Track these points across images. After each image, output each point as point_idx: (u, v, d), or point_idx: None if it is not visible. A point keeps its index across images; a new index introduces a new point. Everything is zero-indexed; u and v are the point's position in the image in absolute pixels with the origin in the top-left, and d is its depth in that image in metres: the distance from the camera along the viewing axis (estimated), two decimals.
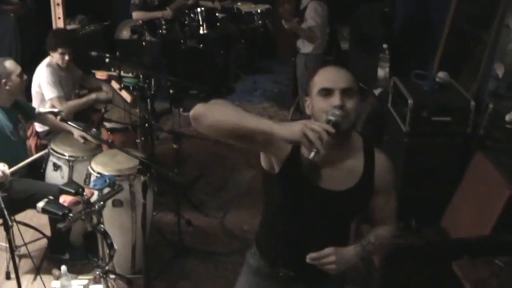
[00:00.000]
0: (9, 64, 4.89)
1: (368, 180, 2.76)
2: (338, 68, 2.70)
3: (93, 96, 5.91)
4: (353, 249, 2.80)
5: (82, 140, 5.26)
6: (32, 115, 5.30)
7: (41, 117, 5.34)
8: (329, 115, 2.52)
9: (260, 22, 10.23)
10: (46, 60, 5.85)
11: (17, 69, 4.91)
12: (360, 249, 2.81)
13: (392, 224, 2.96)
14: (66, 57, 5.81)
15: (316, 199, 2.74)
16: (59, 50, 5.77)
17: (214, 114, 2.53)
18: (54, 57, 5.82)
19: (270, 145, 2.64)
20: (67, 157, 5.10)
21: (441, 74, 5.21)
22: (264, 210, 3.06)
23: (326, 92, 2.60)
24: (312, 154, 2.33)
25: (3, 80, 4.84)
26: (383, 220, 2.93)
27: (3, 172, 4.45)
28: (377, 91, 6.17)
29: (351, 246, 2.81)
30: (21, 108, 5.12)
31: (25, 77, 4.92)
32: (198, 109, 2.56)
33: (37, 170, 5.20)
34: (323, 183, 2.72)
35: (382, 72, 6.39)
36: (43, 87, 5.71)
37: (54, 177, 5.14)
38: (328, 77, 2.65)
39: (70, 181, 4.51)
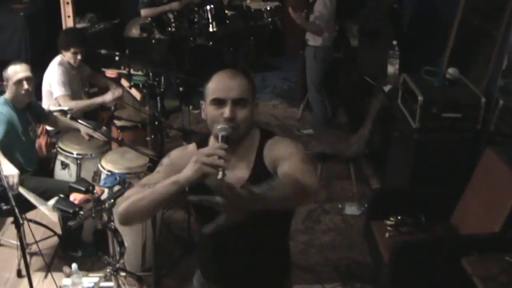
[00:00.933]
0: (11, 69, 4.86)
1: (259, 167, 2.63)
2: (231, 76, 2.62)
3: (98, 100, 5.91)
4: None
5: (87, 137, 5.30)
6: (43, 117, 5.32)
7: (51, 118, 5.36)
8: (219, 131, 2.50)
9: (269, 19, 10.23)
10: (58, 59, 5.87)
11: (15, 76, 4.83)
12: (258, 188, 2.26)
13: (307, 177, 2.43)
14: (78, 56, 5.83)
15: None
16: (72, 50, 5.78)
17: (131, 211, 2.55)
18: (66, 56, 5.83)
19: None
20: (75, 155, 5.14)
21: (451, 70, 5.20)
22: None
23: (218, 102, 2.57)
24: (220, 174, 2.30)
25: (4, 83, 4.86)
26: (294, 174, 2.43)
27: (13, 179, 4.48)
28: (386, 88, 6.15)
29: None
30: (33, 109, 5.14)
31: (25, 87, 4.84)
32: (119, 215, 2.60)
33: (46, 169, 5.23)
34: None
35: (391, 68, 6.37)
36: (53, 85, 5.73)
37: (62, 175, 5.18)
38: (220, 86, 2.59)
39: (80, 179, 4.53)
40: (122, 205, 2.59)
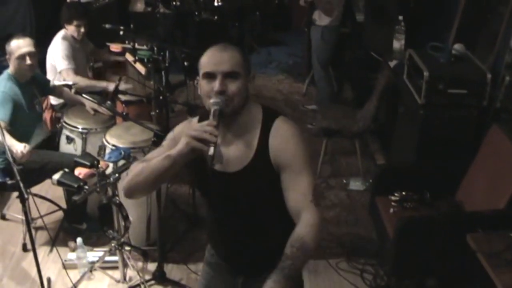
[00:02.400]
0: (14, 43, 4.79)
1: (262, 153, 2.60)
2: (222, 49, 2.59)
3: (102, 84, 5.91)
4: (272, 281, 2.26)
5: (92, 112, 5.30)
6: (48, 89, 5.30)
7: (56, 90, 5.35)
8: (211, 105, 2.49)
9: None
10: (61, 33, 5.84)
11: (18, 51, 4.77)
12: (280, 274, 2.28)
13: (307, 211, 2.48)
14: (82, 29, 5.80)
15: (216, 183, 2.70)
16: (75, 23, 5.75)
17: (131, 185, 2.63)
18: (69, 30, 5.81)
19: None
20: (80, 130, 5.14)
21: (457, 46, 5.17)
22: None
23: (209, 76, 2.55)
24: (210, 150, 2.37)
25: (7, 57, 4.83)
26: (296, 207, 2.51)
27: (22, 153, 4.46)
28: (392, 63, 6.12)
29: (269, 279, 2.28)
30: (37, 82, 5.12)
31: (28, 62, 4.78)
32: (123, 189, 2.69)
33: (51, 143, 5.23)
34: (221, 166, 2.66)
35: (397, 44, 6.33)
36: (56, 59, 5.71)
37: (68, 150, 5.20)
38: (211, 60, 2.57)
39: (85, 154, 4.53)
40: (125, 179, 2.69)
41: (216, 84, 2.51)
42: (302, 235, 2.39)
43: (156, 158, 2.54)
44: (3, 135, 4.14)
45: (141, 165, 2.60)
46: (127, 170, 2.79)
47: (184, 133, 2.50)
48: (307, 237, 2.39)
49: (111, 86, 5.81)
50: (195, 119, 2.79)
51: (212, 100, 2.50)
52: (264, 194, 2.66)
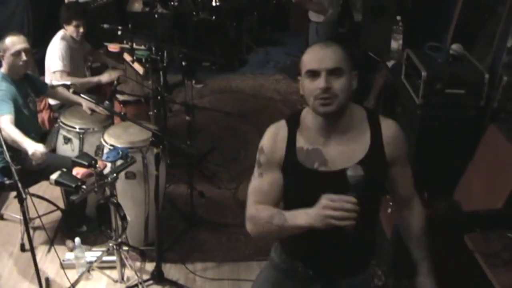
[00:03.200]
0: (9, 40, 4.78)
1: (377, 149, 2.63)
2: (325, 47, 2.55)
3: (95, 79, 5.93)
4: (427, 278, 2.98)
5: (89, 112, 5.29)
6: (43, 90, 5.28)
7: (52, 91, 5.32)
8: (349, 178, 2.39)
9: None
10: (60, 33, 5.84)
11: (13, 47, 4.75)
12: (426, 268, 2.99)
13: (416, 200, 3.01)
14: (81, 29, 5.81)
15: (323, 184, 2.56)
16: (74, 23, 5.76)
17: (263, 236, 2.75)
18: (68, 30, 5.81)
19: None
20: (77, 130, 5.13)
21: (455, 46, 5.17)
22: (284, 205, 2.84)
23: (313, 74, 2.51)
24: (348, 225, 2.33)
25: (1, 54, 4.82)
26: (405, 194, 2.92)
27: (41, 154, 4.44)
28: (390, 63, 6.12)
29: (423, 281, 2.97)
30: (31, 81, 5.10)
31: (23, 58, 4.77)
32: (253, 232, 2.69)
33: (48, 143, 5.22)
34: (325, 166, 2.61)
35: (395, 44, 6.33)
36: (53, 58, 5.70)
37: (65, 150, 5.18)
38: (314, 57, 2.54)
39: (83, 153, 4.52)
40: (251, 228, 2.68)
41: (321, 82, 2.47)
42: (423, 224, 3.03)
43: (287, 225, 2.52)
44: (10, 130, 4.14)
45: (269, 226, 2.58)
46: (246, 215, 2.73)
47: (282, 143, 2.66)
48: (425, 225, 3.01)
49: (104, 78, 5.82)
50: (282, 126, 2.76)
51: (349, 173, 2.40)
52: (371, 189, 2.64)
